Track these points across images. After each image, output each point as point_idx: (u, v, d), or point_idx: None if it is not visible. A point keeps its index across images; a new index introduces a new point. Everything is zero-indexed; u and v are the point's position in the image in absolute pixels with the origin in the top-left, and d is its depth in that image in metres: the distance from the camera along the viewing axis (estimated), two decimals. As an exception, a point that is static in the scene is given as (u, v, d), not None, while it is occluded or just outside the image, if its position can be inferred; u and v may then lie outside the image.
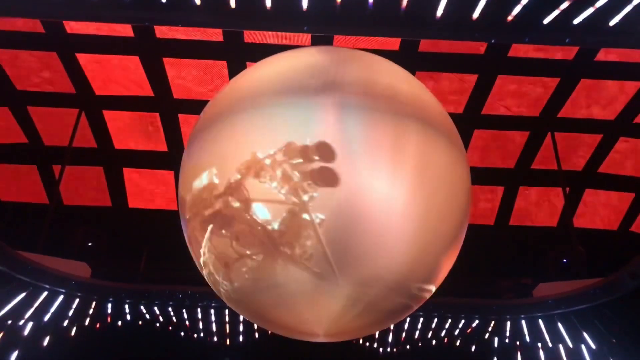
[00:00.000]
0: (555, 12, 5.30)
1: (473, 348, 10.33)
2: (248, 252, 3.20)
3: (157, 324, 10.19)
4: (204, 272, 3.70)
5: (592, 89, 9.88)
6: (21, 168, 11.36)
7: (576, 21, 5.41)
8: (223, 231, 3.28)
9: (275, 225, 3.09)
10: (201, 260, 3.58)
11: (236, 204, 3.21)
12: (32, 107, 10.51)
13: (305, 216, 3.05)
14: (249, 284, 3.33)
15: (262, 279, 3.23)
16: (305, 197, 3.06)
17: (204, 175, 3.41)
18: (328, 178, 3.09)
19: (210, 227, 3.35)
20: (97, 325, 9.83)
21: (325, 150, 3.14)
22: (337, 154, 3.12)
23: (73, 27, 9.12)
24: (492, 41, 6.15)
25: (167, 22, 6.28)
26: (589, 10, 5.22)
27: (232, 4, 5.51)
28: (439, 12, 5.51)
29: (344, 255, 3.09)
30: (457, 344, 10.24)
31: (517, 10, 5.41)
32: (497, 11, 5.52)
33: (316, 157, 3.12)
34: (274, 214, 3.10)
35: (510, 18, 5.48)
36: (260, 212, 3.14)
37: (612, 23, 5.39)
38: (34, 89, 10.19)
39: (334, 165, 3.11)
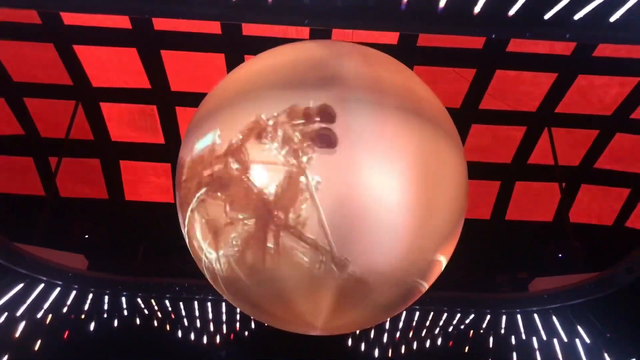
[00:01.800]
0: (556, 8, 5.31)
1: (468, 341, 10.39)
2: (240, 217, 3.08)
3: (154, 317, 10.20)
4: (189, 241, 3.56)
5: (589, 84, 9.90)
6: (17, 160, 11.30)
7: (577, 17, 5.43)
8: (218, 194, 3.18)
9: (272, 189, 3.00)
10: (188, 225, 3.43)
11: (235, 166, 3.14)
12: (29, 98, 10.46)
13: (303, 179, 2.97)
14: (234, 254, 3.16)
15: (250, 249, 3.08)
16: (304, 159, 3.00)
17: (207, 136, 3.35)
18: (327, 139, 3.03)
19: (204, 189, 3.25)
20: (94, 318, 9.84)
21: (326, 112, 3.11)
22: (337, 115, 3.09)
23: (70, 18, 9.07)
24: (493, 36, 6.12)
25: (167, 14, 6.23)
26: (590, 6, 5.23)
27: (233, -4, 5.49)
28: (440, 6, 5.50)
29: (341, 226, 2.98)
30: (452, 337, 10.30)
31: (518, 5, 5.40)
32: (498, 6, 5.53)
33: (317, 119, 3.10)
34: (272, 178, 3.02)
35: (511, 13, 5.47)
36: (258, 175, 3.06)
37: (612, 19, 5.41)
38: (30, 81, 10.13)
39: (334, 126, 3.07)
